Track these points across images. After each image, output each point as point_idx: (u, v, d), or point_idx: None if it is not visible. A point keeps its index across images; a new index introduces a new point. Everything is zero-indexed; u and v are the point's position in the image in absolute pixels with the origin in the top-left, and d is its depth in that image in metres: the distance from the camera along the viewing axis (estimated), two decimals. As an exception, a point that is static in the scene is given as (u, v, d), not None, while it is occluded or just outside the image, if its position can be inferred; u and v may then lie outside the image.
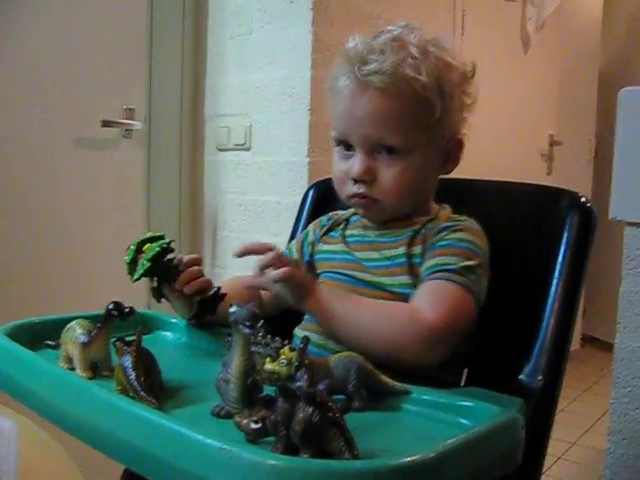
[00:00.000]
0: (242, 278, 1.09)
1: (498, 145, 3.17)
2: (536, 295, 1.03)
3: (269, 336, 0.84)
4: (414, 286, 1.01)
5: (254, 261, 1.15)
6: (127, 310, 0.84)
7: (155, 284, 1.03)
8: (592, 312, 4.27)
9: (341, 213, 1.21)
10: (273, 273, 0.95)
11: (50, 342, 0.96)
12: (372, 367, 0.81)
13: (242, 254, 1.00)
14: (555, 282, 1.02)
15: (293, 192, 2.09)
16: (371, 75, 1.02)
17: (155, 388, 0.77)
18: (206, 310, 1.03)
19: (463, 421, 0.74)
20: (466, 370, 1.11)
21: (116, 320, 0.84)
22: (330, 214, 1.23)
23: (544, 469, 1.03)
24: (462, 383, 1.10)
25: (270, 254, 0.97)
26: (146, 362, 0.77)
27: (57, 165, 2.09)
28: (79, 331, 0.85)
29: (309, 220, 1.32)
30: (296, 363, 0.75)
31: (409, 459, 0.57)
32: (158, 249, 1.00)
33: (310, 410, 0.61)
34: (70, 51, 2.10)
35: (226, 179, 2.35)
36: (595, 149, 4.41)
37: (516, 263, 1.11)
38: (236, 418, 0.66)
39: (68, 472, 0.68)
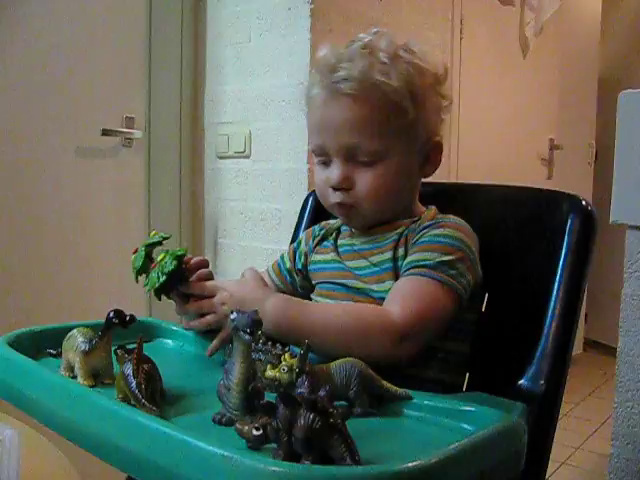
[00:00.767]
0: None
1: (498, 150, 3.17)
2: (538, 299, 1.03)
3: (270, 343, 0.84)
4: None
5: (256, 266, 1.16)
6: (128, 318, 0.84)
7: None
8: (594, 316, 4.26)
9: (332, 222, 1.22)
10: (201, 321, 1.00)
11: (51, 350, 0.96)
12: (373, 373, 0.80)
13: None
14: (556, 286, 1.02)
15: (293, 199, 2.09)
16: (341, 82, 1.02)
17: (156, 396, 0.76)
18: None
19: (465, 426, 0.73)
20: (468, 375, 1.11)
21: (117, 328, 0.84)
22: (322, 223, 1.24)
23: (548, 474, 1.02)
24: (464, 387, 1.10)
25: (205, 303, 0.99)
26: (147, 370, 0.77)
27: (58, 174, 2.10)
28: (80, 339, 0.85)
29: (309, 226, 1.32)
30: (297, 369, 0.75)
31: (411, 465, 0.56)
32: (175, 263, 0.98)
33: (311, 416, 0.60)
34: (70, 60, 2.10)
35: (226, 187, 2.35)
36: (595, 153, 4.42)
37: (517, 267, 1.11)
38: (237, 425, 0.66)
39: (69, 479, 0.68)
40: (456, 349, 1.06)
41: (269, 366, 0.79)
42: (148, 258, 1.02)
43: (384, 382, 0.81)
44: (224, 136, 2.34)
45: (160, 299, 1.03)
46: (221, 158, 2.37)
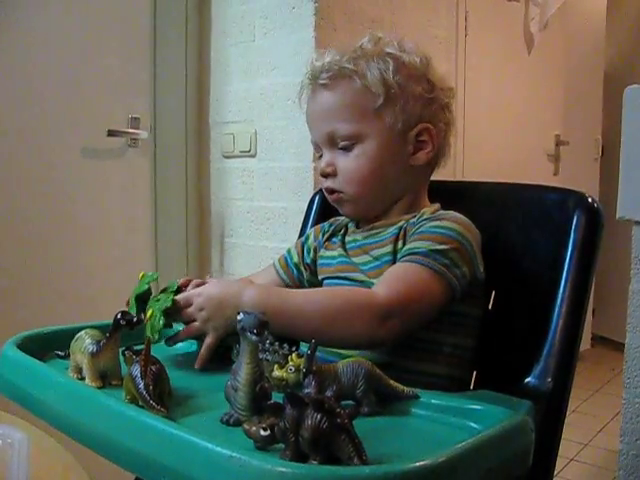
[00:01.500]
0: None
1: (504, 146, 3.16)
2: (544, 296, 1.03)
3: (277, 343, 0.85)
4: None
5: (261, 268, 1.16)
6: (135, 319, 0.85)
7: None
8: (602, 312, 4.25)
9: (340, 219, 1.23)
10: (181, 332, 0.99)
11: (59, 352, 0.96)
12: (380, 372, 0.80)
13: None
14: (563, 282, 1.02)
15: (299, 197, 2.10)
16: (318, 76, 1.11)
17: (164, 397, 0.77)
18: None
19: (472, 425, 0.74)
20: (475, 372, 1.11)
21: (124, 329, 0.84)
22: (331, 220, 1.26)
23: (557, 471, 1.02)
24: (472, 385, 1.10)
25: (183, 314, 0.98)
26: (155, 371, 0.77)
27: (64, 175, 2.10)
28: (88, 341, 0.85)
29: (316, 225, 1.32)
30: (304, 369, 0.76)
31: (419, 464, 0.56)
32: (164, 319, 0.96)
33: (318, 416, 0.61)
34: (75, 61, 2.10)
35: (232, 186, 2.36)
36: (602, 148, 4.40)
37: (524, 264, 1.11)
38: (245, 426, 0.66)
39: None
40: (462, 344, 1.06)
41: (276, 366, 0.79)
42: (141, 308, 1.00)
43: (391, 381, 0.81)
44: (229, 135, 2.34)
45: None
46: (227, 157, 2.37)
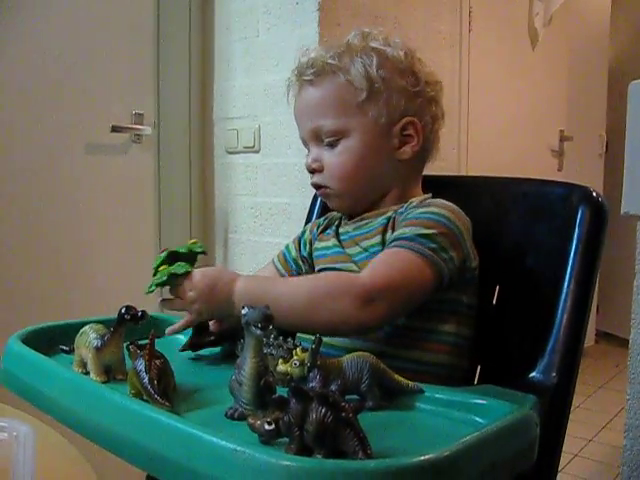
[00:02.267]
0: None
1: (508, 142, 3.16)
2: (548, 290, 1.03)
3: (281, 337, 0.85)
4: None
5: (265, 263, 1.16)
6: (140, 314, 0.85)
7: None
8: (606, 308, 4.25)
9: (334, 213, 1.24)
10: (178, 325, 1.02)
11: (64, 347, 0.96)
12: (385, 366, 0.81)
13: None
14: (567, 277, 1.01)
15: (303, 193, 2.09)
16: (303, 73, 1.13)
17: (169, 391, 0.77)
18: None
19: (477, 419, 0.74)
20: (479, 367, 1.11)
21: (129, 324, 0.84)
22: (327, 214, 1.27)
23: (561, 466, 1.02)
24: (476, 380, 1.10)
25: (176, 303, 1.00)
26: (159, 365, 0.77)
27: (68, 171, 2.10)
28: (92, 335, 0.85)
29: (319, 220, 1.32)
30: (308, 364, 0.75)
31: (423, 458, 0.56)
32: (165, 279, 0.99)
33: (323, 410, 0.61)
34: (79, 57, 2.11)
35: (236, 182, 2.36)
36: (606, 144, 4.39)
37: (528, 259, 1.11)
38: (249, 420, 0.66)
39: (83, 474, 0.69)
40: (455, 332, 1.06)
41: (280, 361, 0.79)
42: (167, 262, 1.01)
43: (396, 375, 0.81)
44: (233, 131, 2.34)
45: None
46: (230, 153, 2.37)
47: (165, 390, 0.76)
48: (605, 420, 3.14)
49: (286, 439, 0.63)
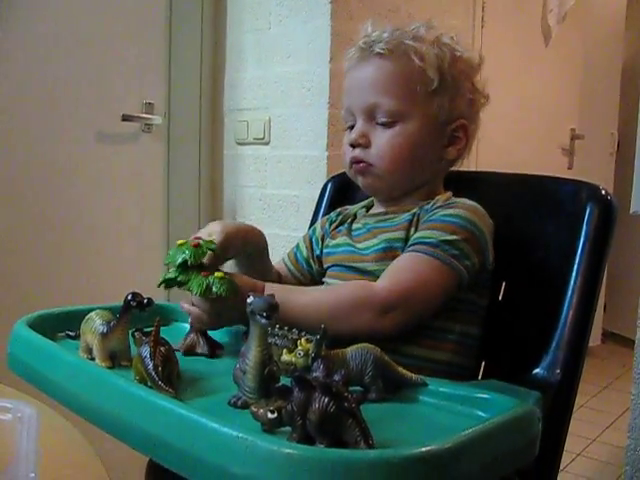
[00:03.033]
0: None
1: (518, 139, 3.15)
2: (555, 287, 1.03)
3: (286, 327, 0.85)
4: None
5: (272, 255, 1.16)
6: (145, 301, 0.85)
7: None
8: (613, 307, 4.23)
9: (350, 208, 1.23)
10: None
11: (70, 332, 0.97)
12: (389, 359, 0.81)
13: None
14: (575, 273, 1.01)
15: (312, 186, 2.09)
16: (373, 44, 1.09)
17: (173, 378, 0.77)
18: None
19: (480, 413, 0.74)
20: (484, 363, 1.11)
21: (135, 311, 0.84)
22: (339, 209, 1.26)
23: (564, 466, 1.02)
24: (480, 375, 1.10)
25: (192, 311, 0.97)
26: (164, 352, 0.78)
27: (78, 159, 2.11)
28: (98, 322, 0.86)
29: (327, 213, 1.32)
30: (313, 354, 0.76)
31: (424, 449, 0.56)
32: (173, 271, 0.96)
33: (326, 400, 0.61)
34: (90, 46, 2.11)
35: (245, 173, 2.36)
36: (617, 143, 4.37)
37: (535, 255, 1.11)
38: (252, 408, 0.66)
39: (87, 458, 0.69)
40: (467, 332, 1.06)
41: (285, 350, 0.79)
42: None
43: (399, 368, 0.81)
44: (243, 122, 2.34)
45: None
46: (240, 144, 2.37)
47: (169, 377, 0.76)
48: (610, 420, 3.14)
49: (289, 428, 0.64)
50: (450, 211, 1.04)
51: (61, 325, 0.99)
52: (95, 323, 0.86)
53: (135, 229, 2.25)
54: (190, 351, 0.96)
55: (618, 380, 3.69)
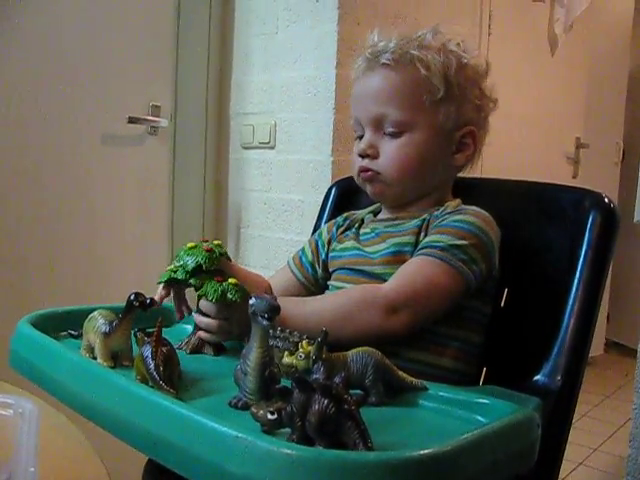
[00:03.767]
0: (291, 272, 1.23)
1: (524, 147, 3.15)
2: (557, 294, 1.03)
3: (287, 330, 0.85)
4: None
5: (276, 259, 1.16)
6: (148, 301, 0.85)
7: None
8: (616, 317, 4.22)
9: (357, 213, 1.23)
10: (206, 337, 0.97)
11: (72, 331, 0.97)
12: (390, 363, 0.81)
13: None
14: (577, 281, 1.01)
15: (317, 190, 2.10)
16: (379, 55, 1.09)
17: (174, 378, 0.78)
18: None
19: (479, 418, 0.74)
20: (485, 369, 1.11)
21: (137, 311, 0.85)
22: (346, 214, 1.26)
23: (564, 475, 1.02)
24: (481, 381, 1.10)
25: (201, 319, 0.97)
26: (166, 353, 0.78)
27: (84, 161, 2.12)
28: (101, 321, 0.86)
29: (331, 218, 1.33)
30: (314, 357, 0.76)
31: (423, 452, 0.57)
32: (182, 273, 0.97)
33: (326, 402, 0.61)
34: (97, 49, 2.12)
35: (250, 177, 2.36)
36: (622, 152, 4.37)
37: (538, 262, 1.11)
38: (253, 409, 0.67)
39: (86, 455, 0.70)
40: (469, 339, 1.06)
41: (286, 353, 0.79)
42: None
43: (400, 372, 0.81)
44: (249, 126, 2.35)
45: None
46: (246, 148, 2.38)
47: (170, 377, 0.76)
48: (611, 430, 3.13)
49: (288, 429, 0.64)
50: (460, 217, 1.05)
51: (63, 324, 0.99)
52: (98, 322, 0.86)
53: (140, 231, 2.25)
54: (196, 351, 0.97)
55: (620, 390, 3.68)
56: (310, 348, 0.77)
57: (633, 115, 4.43)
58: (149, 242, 2.27)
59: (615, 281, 3.36)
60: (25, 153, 1.99)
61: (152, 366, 0.76)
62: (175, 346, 0.85)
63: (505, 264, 1.08)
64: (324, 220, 1.39)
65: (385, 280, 1.03)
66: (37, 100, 2.00)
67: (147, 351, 0.77)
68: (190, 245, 1.00)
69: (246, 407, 0.72)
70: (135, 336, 0.85)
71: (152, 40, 2.26)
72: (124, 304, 0.85)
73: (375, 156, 1.10)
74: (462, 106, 1.10)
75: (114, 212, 2.20)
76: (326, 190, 1.46)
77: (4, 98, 1.94)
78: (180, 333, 1.02)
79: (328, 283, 1.18)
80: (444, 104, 1.08)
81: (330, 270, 1.19)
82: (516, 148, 3.09)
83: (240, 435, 0.58)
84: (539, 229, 1.14)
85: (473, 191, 1.19)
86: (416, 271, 1.00)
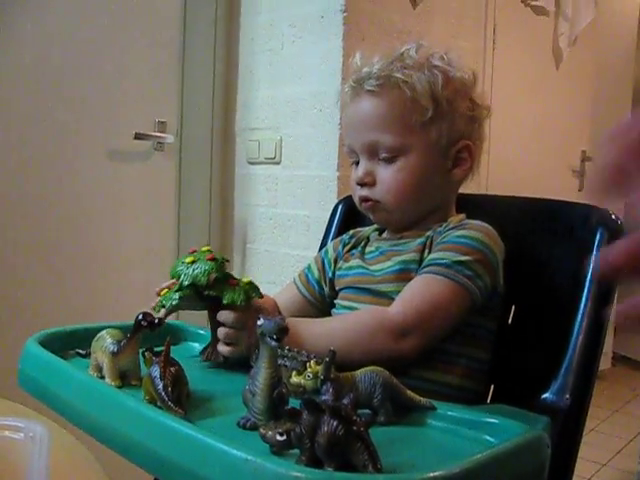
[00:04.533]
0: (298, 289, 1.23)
1: (529, 161, 3.15)
2: (564, 311, 1.03)
3: (296, 349, 0.85)
4: None
5: (282, 275, 1.17)
6: (156, 321, 0.85)
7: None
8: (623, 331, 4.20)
9: (363, 230, 1.23)
10: (223, 350, 0.97)
11: (81, 351, 0.97)
12: (398, 382, 0.81)
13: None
14: (584, 298, 1.01)
15: (322, 206, 2.10)
16: (363, 81, 1.09)
17: (182, 398, 0.77)
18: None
19: (488, 438, 0.73)
20: (492, 386, 1.11)
21: (145, 330, 0.85)
22: (352, 232, 1.26)
23: (572, 490, 1.01)
24: (489, 399, 1.09)
25: (222, 333, 0.96)
26: (174, 373, 0.78)
27: (90, 177, 2.13)
28: (109, 340, 0.86)
29: (338, 234, 1.33)
30: (322, 377, 0.76)
31: (432, 474, 0.56)
32: (178, 296, 0.96)
33: (335, 423, 0.61)
34: (103, 65, 2.13)
35: (256, 192, 2.37)
36: (628, 166, 4.36)
37: (545, 279, 1.11)
38: (261, 430, 0.66)
39: (96, 477, 0.69)
40: (476, 356, 1.06)
41: (294, 373, 0.79)
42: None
43: (408, 392, 0.81)
44: (255, 142, 2.35)
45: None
46: (251, 164, 2.38)
47: (179, 397, 0.76)
48: (620, 445, 3.10)
49: (297, 451, 0.64)
50: (462, 232, 1.05)
51: (71, 343, 0.99)
52: (106, 342, 0.86)
53: (146, 247, 2.26)
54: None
55: (629, 404, 3.65)
56: (318, 368, 0.77)
57: (638, 128, 4.42)
58: (156, 258, 2.27)
59: (622, 295, 3.34)
60: (32, 170, 2.00)
61: (161, 386, 0.76)
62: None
63: (512, 281, 1.08)
64: (331, 237, 1.39)
65: (391, 298, 1.03)
66: (43, 117, 2.01)
67: (155, 371, 0.77)
68: (188, 260, 0.98)
69: (255, 428, 0.72)
70: (143, 356, 0.85)
71: (158, 57, 2.28)
72: (132, 323, 0.85)
73: (372, 184, 1.10)
74: (454, 121, 1.09)
75: (120, 228, 2.21)
76: (332, 205, 1.46)
77: (10, 114, 1.95)
78: (188, 352, 1.02)
79: (335, 302, 1.18)
80: (435, 122, 1.07)
81: (337, 289, 1.18)
82: (521, 161, 3.09)
83: (249, 458, 0.58)
84: (546, 245, 1.13)
85: (479, 208, 1.19)
86: (422, 291, 1.00)
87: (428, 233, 1.09)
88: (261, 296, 0.98)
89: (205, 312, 1.01)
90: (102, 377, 0.86)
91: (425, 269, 1.02)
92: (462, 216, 1.13)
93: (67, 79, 2.06)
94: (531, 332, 1.10)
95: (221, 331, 0.96)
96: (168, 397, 0.75)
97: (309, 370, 0.77)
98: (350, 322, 1.01)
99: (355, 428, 0.61)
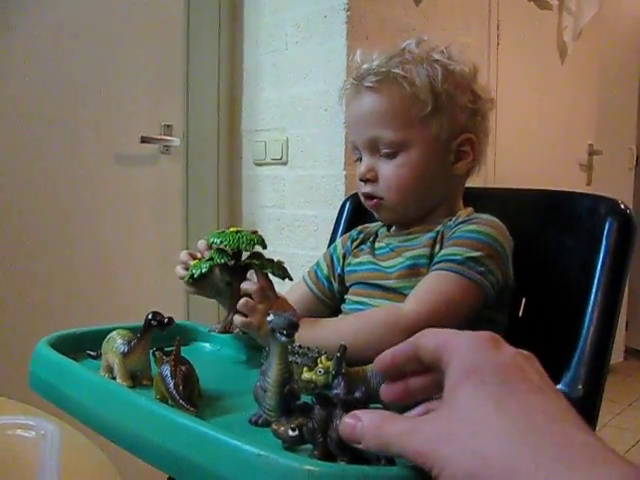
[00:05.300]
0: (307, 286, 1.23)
1: (536, 155, 3.14)
2: (575, 303, 1.02)
3: (307, 346, 0.85)
4: None
5: (291, 275, 1.16)
6: (166, 320, 0.85)
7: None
8: (635, 324, 4.19)
9: (371, 226, 1.23)
10: (237, 320, 0.97)
11: (91, 352, 0.97)
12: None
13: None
14: (595, 289, 1.01)
15: (330, 205, 2.10)
16: (363, 78, 1.10)
17: (193, 396, 0.77)
18: None
19: (501, 429, 0.73)
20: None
21: (155, 330, 0.84)
22: (359, 228, 1.26)
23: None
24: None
25: (242, 301, 0.97)
26: (185, 371, 0.78)
27: (97, 181, 2.14)
28: (119, 341, 0.86)
29: (346, 231, 1.33)
30: (333, 372, 0.76)
31: (446, 466, 0.56)
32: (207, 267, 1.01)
33: (347, 417, 0.61)
34: (109, 68, 2.14)
35: (263, 193, 2.37)
36: (636, 158, 4.35)
37: (555, 271, 1.11)
38: (273, 426, 0.66)
39: (109, 477, 0.69)
40: None
41: (305, 368, 0.79)
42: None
43: (420, 386, 0.81)
44: (261, 143, 2.36)
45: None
46: (258, 165, 2.39)
47: (190, 395, 0.76)
48: (634, 439, 3.09)
49: (310, 445, 0.64)
50: (473, 227, 1.05)
51: (82, 345, 0.99)
52: (116, 342, 0.86)
53: (154, 250, 2.26)
54: (225, 332, 1.02)
55: (642, 398, 3.64)
56: (329, 363, 0.77)
57: (645, 120, 4.41)
58: (164, 261, 2.27)
59: (634, 288, 3.33)
60: (38, 173, 2.01)
61: (172, 385, 0.76)
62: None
63: (522, 274, 1.08)
64: (339, 234, 1.39)
65: (402, 294, 1.03)
66: (50, 122, 2.02)
67: (166, 370, 0.77)
68: (231, 229, 1.05)
69: (267, 424, 0.72)
70: (154, 355, 0.85)
71: (162, 60, 2.29)
72: (142, 323, 0.85)
73: (375, 180, 1.11)
74: (454, 115, 1.09)
75: (128, 231, 2.21)
76: (340, 204, 1.46)
77: (17, 120, 1.96)
78: (199, 351, 1.02)
79: (345, 297, 1.18)
80: (435, 117, 1.07)
81: (347, 284, 1.18)
82: (528, 156, 3.09)
83: (262, 453, 0.57)
84: (555, 237, 1.13)
85: (487, 201, 1.19)
86: (436, 289, 1.00)
87: (438, 228, 1.09)
88: (291, 278, 1.03)
89: (214, 310, 1.02)
90: (113, 378, 0.86)
91: (437, 265, 1.02)
92: (470, 209, 1.13)
93: (72, 84, 2.07)
94: (542, 324, 1.10)
95: (241, 301, 0.97)
96: (179, 395, 0.75)
97: (320, 366, 0.77)
98: (362, 320, 1.01)
99: (367, 421, 0.61)
